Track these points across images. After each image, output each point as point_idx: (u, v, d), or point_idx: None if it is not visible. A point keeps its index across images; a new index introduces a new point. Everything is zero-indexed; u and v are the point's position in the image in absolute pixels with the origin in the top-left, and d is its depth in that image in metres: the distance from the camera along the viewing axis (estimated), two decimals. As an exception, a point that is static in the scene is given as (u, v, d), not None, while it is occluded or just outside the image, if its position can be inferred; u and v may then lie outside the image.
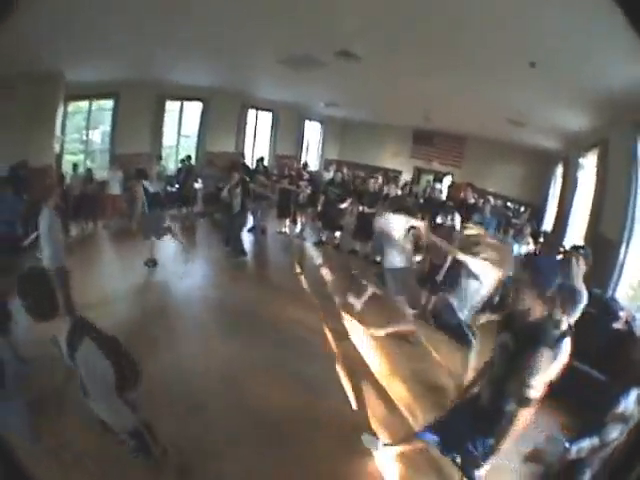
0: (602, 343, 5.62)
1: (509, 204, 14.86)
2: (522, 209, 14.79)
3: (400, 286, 6.28)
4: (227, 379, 5.11)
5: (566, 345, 3.69)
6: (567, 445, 3.52)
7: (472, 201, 10.09)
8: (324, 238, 11.01)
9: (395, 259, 6.28)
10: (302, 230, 11.36)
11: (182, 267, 8.57)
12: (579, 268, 5.06)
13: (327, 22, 6.68)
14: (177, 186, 11.54)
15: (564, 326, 3.82)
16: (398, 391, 5.43)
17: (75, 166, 10.23)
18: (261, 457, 4.05)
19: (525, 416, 2.92)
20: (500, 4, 5.00)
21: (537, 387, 2.88)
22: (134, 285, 7.56)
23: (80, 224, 9.54)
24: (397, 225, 6.17)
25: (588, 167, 9.97)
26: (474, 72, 7.74)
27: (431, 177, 16.83)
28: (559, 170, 13.05)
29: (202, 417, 4.42)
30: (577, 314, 4.45)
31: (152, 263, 8.32)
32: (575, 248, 5.76)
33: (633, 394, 3.31)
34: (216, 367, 5.32)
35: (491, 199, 10.53)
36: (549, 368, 3.04)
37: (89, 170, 10.24)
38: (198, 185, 11.81)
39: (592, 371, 5.35)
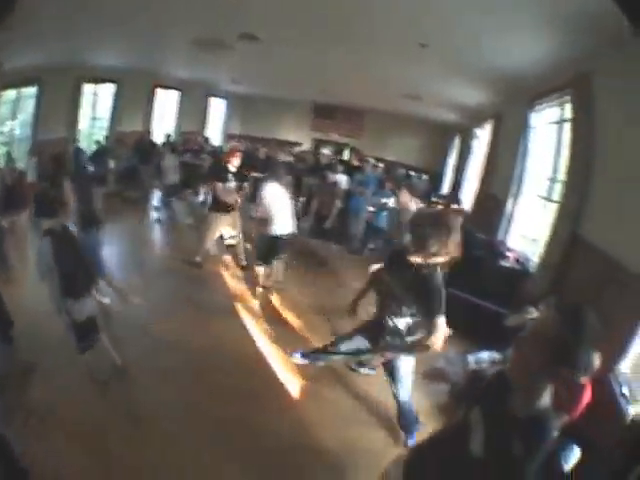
0: (496, 280, 6.49)
1: (411, 172, 15.91)
2: (424, 176, 15.96)
3: None
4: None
5: None
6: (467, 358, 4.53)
7: (356, 163, 12.14)
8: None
9: None
10: (205, 199, 12.00)
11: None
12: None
13: (230, 7, 7.19)
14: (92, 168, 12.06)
15: None
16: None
17: (8, 155, 9.85)
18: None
19: None
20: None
21: None
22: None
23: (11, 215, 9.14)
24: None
25: (483, 137, 11.29)
26: (368, 50, 8.29)
27: (331, 148, 17.84)
28: (457, 140, 14.54)
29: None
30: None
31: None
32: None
33: (528, 308, 4.41)
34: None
35: (371, 160, 11.85)
36: None
37: (11, 159, 9.67)
38: (111, 165, 12.04)
39: (491, 305, 6.20)
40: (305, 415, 4.51)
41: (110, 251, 7.77)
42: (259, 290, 7.00)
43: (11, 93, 10.93)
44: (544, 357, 1.60)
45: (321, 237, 8.90)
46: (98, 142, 12.71)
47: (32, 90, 11.17)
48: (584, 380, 3.42)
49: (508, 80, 7.65)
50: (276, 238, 6.50)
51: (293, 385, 4.97)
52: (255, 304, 6.79)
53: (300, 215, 10.42)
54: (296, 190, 10.60)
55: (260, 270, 6.85)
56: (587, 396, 3.47)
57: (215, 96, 18.47)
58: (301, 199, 11.10)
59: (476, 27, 5.60)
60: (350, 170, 10.88)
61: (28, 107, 11.37)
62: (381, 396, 4.69)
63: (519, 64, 6.59)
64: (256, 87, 16.46)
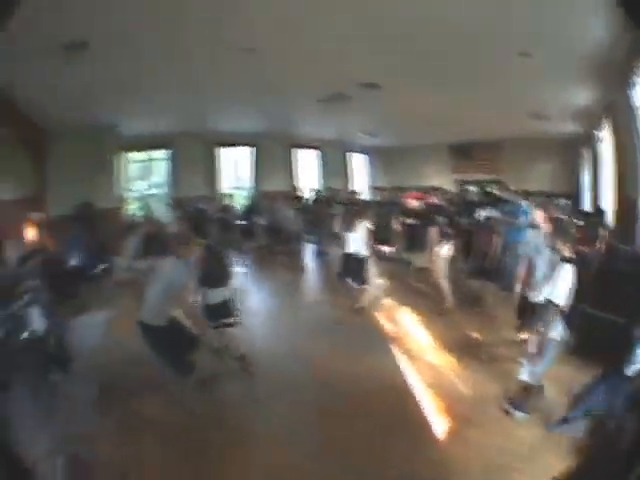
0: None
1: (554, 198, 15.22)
2: (563, 201, 15.21)
3: None
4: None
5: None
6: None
7: (502, 196, 11.07)
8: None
9: None
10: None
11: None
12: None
13: (350, 59, 7.63)
14: (244, 222, 12.70)
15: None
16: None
17: (144, 208, 11.27)
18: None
19: None
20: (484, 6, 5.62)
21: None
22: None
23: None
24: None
25: (606, 138, 10.33)
26: (481, 79, 8.53)
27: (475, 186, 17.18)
28: (585, 151, 13.68)
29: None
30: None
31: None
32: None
33: None
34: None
35: (515, 190, 11.33)
36: None
37: (149, 210, 11.18)
38: (261, 221, 12.58)
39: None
40: (449, 457, 4.29)
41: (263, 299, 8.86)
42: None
43: (139, 155, 12.09)
44: None
45: (482, 277, 8.60)
46: (247, 199, 13.79)
47: (164, 153, 12.17)
48: None
49: (607, 66, 7.19)
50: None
51: (440, 422, 4.83)
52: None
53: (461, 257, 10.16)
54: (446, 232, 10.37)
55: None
56: None
57: (354, 151, 18.60)
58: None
59: (560, 21, 5.70)
60: (497, 204, 10.40)
61: (160, 169, 12.15)
62: (538, 443, 4.37)
63: (607, 43, 6.30)
64: (391, 137, 16.61)
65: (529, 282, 5.99)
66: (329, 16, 6.32)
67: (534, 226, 6.78)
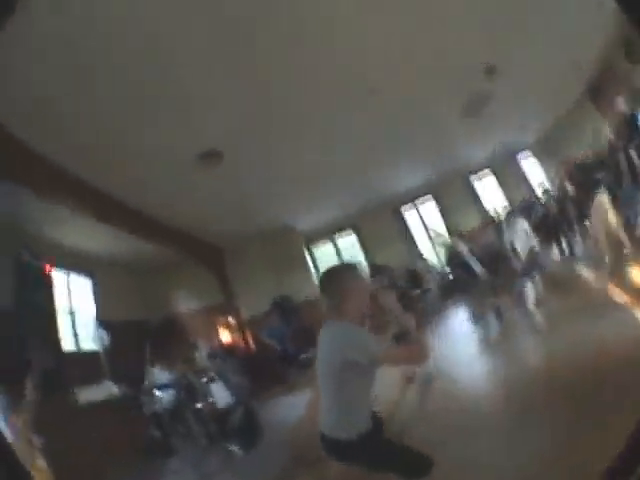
0: None
1: None
2: None
3: None
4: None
5: None
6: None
7: None
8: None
9: None
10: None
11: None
12: None
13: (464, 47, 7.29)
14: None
15: None
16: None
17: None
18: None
19: None
20: None
21: None
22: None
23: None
24: None
25: None
26: None
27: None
28: None
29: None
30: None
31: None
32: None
33: None
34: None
35: None
36: None
37: None
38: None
39: None
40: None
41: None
42: None
43: (327, 243, 12.33)
44: None
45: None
46: (446, 248, 13.34)
47: (351, 234, 12.43)
48: None
49: None
50: None
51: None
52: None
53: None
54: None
55: None
56: None
57: (522, 158, 16.92)
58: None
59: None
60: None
61: (352, 251, 12.41)
62: None
63: None
64: (539, 121, 15.15)
65: None
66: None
67: None
